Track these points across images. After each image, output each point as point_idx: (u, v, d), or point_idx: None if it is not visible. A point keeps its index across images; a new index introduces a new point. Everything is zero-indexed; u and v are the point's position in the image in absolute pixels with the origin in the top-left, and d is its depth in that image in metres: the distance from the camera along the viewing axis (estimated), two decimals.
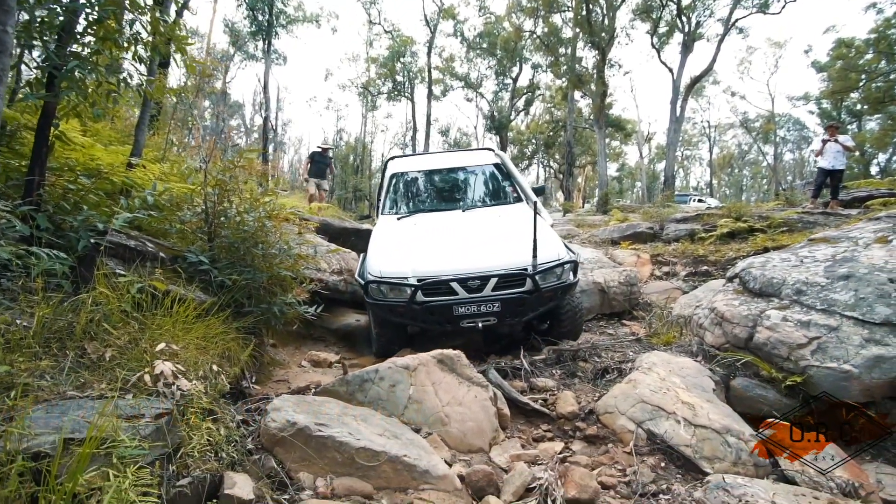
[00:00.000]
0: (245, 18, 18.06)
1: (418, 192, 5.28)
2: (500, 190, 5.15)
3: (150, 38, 2.52)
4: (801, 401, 3.27)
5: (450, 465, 2.24)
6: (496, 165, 5.35)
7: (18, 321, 1.68)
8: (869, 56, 28.75)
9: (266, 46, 16.46)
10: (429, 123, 25.23)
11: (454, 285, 3.63)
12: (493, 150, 5.57)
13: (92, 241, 2.17)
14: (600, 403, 2.99)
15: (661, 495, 2.10)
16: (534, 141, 38.87)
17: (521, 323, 4.01)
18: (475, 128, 37.87)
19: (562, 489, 2.02)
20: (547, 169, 44.23)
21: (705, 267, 6.63)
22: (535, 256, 3.66)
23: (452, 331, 3.89)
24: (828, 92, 30.72)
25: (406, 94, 27.11)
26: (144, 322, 2.01)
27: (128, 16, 2.44)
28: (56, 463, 1.05)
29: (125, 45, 2.50)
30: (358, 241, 6.66)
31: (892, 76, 27.21)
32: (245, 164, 2.84)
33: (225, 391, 1.94)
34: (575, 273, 3.95)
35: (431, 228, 4.39)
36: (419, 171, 5.36)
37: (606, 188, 20.85)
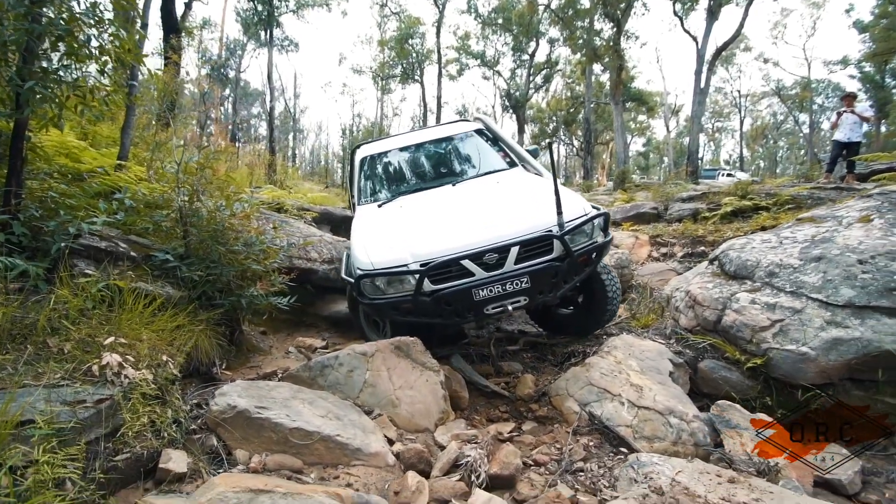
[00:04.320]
0: (247, 11, 18.29)
1: (396, 173, 4.71)
2: (491, 156, 4.56)
3: (114, 51, 2.71)
4: (761, 383, 3.30)
5: (392, 444, 2.43)
6: (479, 132, 4.80)
7: None
8: None
9: (268, 36, 16.61)
10: (440, 106, 25.10)
11: (467, 264, 2.97)
12: (477, 117, 5.13)
13: (63, 244, 2.40)
14: (553, 386, 3.11)
15: (582, 472, 2.22)
16: (554, 118, 38.09)
17: (557, 299, 3.29)
18: (493, 107, 37.40)
19: (487, 465, 2.17)
20: (568, 147, 43.35)
21: (702, 248, 6.54)
22: (559, 213, 3.02)
23: (476, 320, 3.28)
24: (869, 54, 28.72)
25: (416, 76, 26.98)
26: (107, 317, 2.24)
27: (90, 31, 2.63)
28: None
29: (90, 58, 2.69)
30: None
31: None
32: (212, 166, 3.04)
33: (174, 378, 2.15)
34: (606, 231, 3.33)
35: (423, 208, 3.77)
36: (393, 151, 4.83)
37: (624, 166, 20.37)
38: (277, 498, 1.55)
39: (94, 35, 2.58)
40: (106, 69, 2.81)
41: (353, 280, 3.25)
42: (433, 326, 3.46)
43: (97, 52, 2.75)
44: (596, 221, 3.22)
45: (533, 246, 3.07)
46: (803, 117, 38.97)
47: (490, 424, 2.91)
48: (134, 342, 2.16)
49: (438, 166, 4.66)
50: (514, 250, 3.01)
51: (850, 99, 8.35)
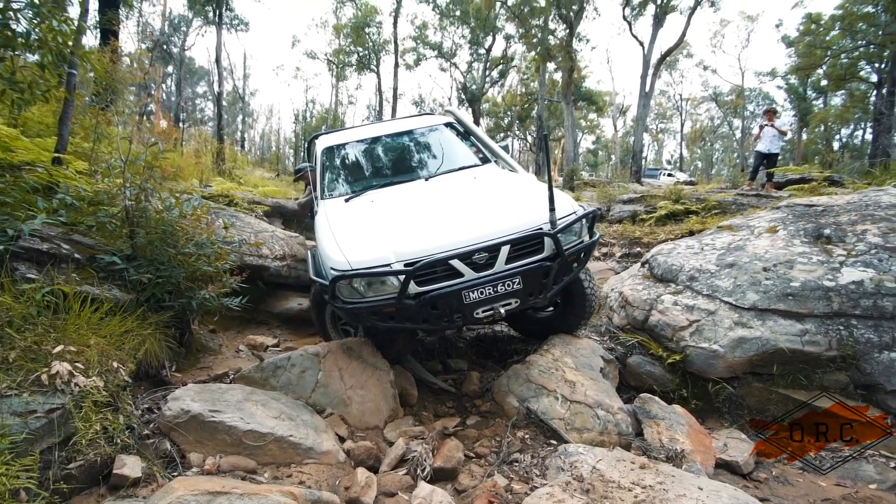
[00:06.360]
0: None
1: (362, 166, 4.46)
2: (464, 151, 4.43)
3: (52, 44, 2.62)
4: (679, 376, 3.71)
5: (343, 442, 2.56)
6: (449, 125, 4.65)
7: None
8: (835, 32, 29.15)
9: (217, 16, 15.80)
10: (395, 97, 24.90)
11: (456, 264, 2.76)
12: (448, 110, 5.00)
13: (2, 247, 2.33)
14: (496, 383, 3.34)
15: (517, 462, 2.46)
16: (509, 113, 38.77)
17: (546, 301, 3.17)
18: (449, 99, 37.46)
19: (431, 459, 2.36)
20: (522, 142, 44.25)
21: (638, 248, 7.04)
22: (552, 210, 2.87)
23: (464, 325, 3.16)
24: (793, 68, 31.23)
25: (371, 66, 26.59)
26: (53, 324, 2.21)
27: (27, 24, 2.53)
28: None
29: (27, 48, 2.60)
30: (313, 222, 6.80)
31: (855, 53, 27.71)
32: (160, 164, 2.99)
33: (125, 384, 2.18)
34: (592, 231, 3.22)
35: (397, 203, 3.55)
36: (358, 142, 4.58)
37: (574, 163, 21.17)
38: (235, 499, 1.66)
39: (32, 30, 2.48)
40: (45, 62, 2.71)
41: (326, 282, 2.92)
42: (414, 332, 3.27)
43: (36, 44, 2.66)
44: (584, 220, 3.13)
45: (523, 245, 2.92)
46: (737, 122, 41.89)
47: (437, 420, 3.11)
48: (82, 348, 2.15)
49: (408, 160, 4.47)
50: (505, 249, 2.84)
51: (771, 114, 9.23)
